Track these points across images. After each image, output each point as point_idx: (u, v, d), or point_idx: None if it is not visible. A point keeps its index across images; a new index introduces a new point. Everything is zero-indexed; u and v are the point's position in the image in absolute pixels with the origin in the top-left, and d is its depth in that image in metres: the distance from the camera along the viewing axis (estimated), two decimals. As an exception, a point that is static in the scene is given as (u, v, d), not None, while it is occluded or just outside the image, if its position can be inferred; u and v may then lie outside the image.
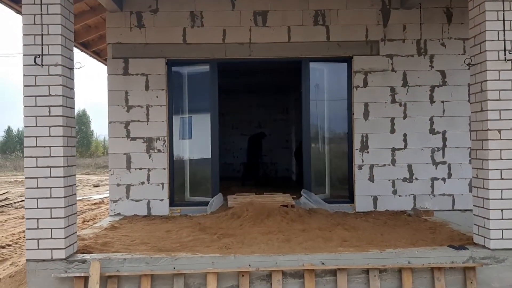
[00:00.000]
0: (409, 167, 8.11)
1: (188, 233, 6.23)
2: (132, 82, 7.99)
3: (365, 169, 8.11)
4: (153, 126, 8.01)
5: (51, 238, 4.86)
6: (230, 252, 5.11)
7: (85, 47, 10.26)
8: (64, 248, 4.88)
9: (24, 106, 4.90)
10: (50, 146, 4.88)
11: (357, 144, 8.13)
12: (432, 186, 8.12)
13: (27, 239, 4.90)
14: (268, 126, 16.46)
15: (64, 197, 4.88)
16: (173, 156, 8.24)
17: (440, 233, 6.05)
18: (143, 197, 7.98)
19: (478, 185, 5.21)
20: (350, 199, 8.24)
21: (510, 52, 4.98)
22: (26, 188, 4.88)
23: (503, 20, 5.00)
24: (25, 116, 4.90)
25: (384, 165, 8.11)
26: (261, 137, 13.98)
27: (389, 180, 8.11)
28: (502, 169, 4.99)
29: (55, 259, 4.86)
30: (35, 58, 4.86)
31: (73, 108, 5.23)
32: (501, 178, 4.99)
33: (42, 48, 4.90)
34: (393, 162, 8.11)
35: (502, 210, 4.99)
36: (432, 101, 8.13)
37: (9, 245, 9.14)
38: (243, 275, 4.85)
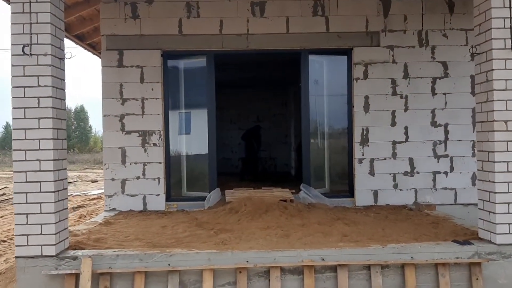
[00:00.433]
0: (410, 160, 7.95)
1: (184, 228, 6.07)
2: (127, 75, 7.81)
3: (366, 163, 7.95)
4: (149, 119, 7.83)
5: (41, 234, 4.68)
6: (227, 248, 4.94)
7: (80, 40, 10.06)
8: (55, 244, 4.70)
9: (12, 97, 4.71)
10: (39, 139, 4.70)
11: (357, 137, 7.96)
12: (434, 180, 7.95)
13: (16, 235, 4.73)
14: (266, 120, 16.27)
15: (54, 191, 4.71)
16: (170, 150, 8.07)
17: (443, 228, 5.88)
18: (139, 192, 7.82)
19: (484, 178, 5.03)
20: (350, 193, 8.08)
21: (516, 40, 4.80)
22: (15, 182, 4.71)
23: (510, 7, 4.81)
24: (13, 108, 4.72)
25: (385, 159, 7.95)
26: (257, 130, 13.80)
27: (390, 173, 7.95)
28: (509, 162, 4.80)
29: (45, 256, 4.69)
30: (23, 47, 4.67)
31: (64, 99, 5.05)
32: (508, 171, 4.81)
33: (31, 37, 4.70)
34: (394, 155, 7.95)
35: (508, 203, 4.81)
36: (433, 93, 7.95)
37: (4, 241, 9.00)
38: (240, 272, 4.68)
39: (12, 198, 15.58)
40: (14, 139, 4.74)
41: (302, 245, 5.04)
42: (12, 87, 4.71)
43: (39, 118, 4.71)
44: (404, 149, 7.95)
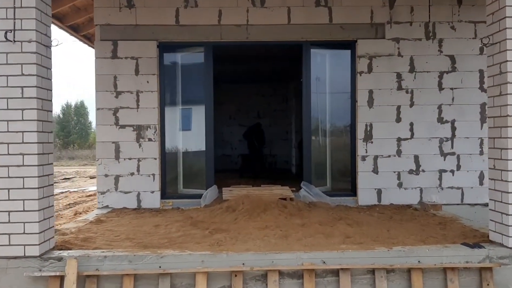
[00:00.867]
0: (416, 158, 7.65)
1: (178, 228, 5.78)
2: (122, 66, 7.51)
3: (369, 160, 7.65)
4: (144, 113, 7.54)
5: (24, 233, 4.39)
6: (222, 250, 4.65)
7: (75, 31, 9.75)
8: (38, 244, 4.41)
9: (-6, 86, 4.42)
10: (22, 131, 4.41)
11: (360, 133, 7.66)
12: (440, 179, 7.66)
13: (-3, 234, 4.44)
14: (267, 116, 15.96)
15: (38, 187, 4.41)
16: (165, 145, 7.78)
17: (451, 229, 5.58)
18: (133, 188, 7.53)
19: (496, 177, 4.73)
20: (353, 192, 7.80)
21: (533, 29, 4.49)
22: (-4, 177, 4.41)
23: (526, -6, 4.50)
24: (-5, 98, 4.43)
25: (389, 156, 7.65)
26: (258, 127, 13.52)
27: (394, 172, 7.65)
28: (524, 160, 4.50)
29: (28, 256, 4.40)
30: (6, 33, 4.38)
31: (50, 90, 4.75)
32: (522, 170, 4.50)
33: (15, 22, 4.41)
34: (399, 153, 7.65)
35: (523, 204, 4.51)
36: (440, 88, 7.65)
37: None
38: (236, 275, 4.39)
39: None
40: (-5, 132, 4.43)
41: (302, 246, 4.76)
42: (-6, 76, 4.42)
43: (22, 109, 4.42)
44: (409, 146, 7.65)
